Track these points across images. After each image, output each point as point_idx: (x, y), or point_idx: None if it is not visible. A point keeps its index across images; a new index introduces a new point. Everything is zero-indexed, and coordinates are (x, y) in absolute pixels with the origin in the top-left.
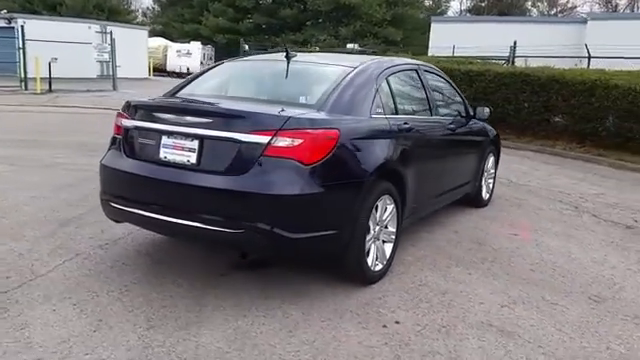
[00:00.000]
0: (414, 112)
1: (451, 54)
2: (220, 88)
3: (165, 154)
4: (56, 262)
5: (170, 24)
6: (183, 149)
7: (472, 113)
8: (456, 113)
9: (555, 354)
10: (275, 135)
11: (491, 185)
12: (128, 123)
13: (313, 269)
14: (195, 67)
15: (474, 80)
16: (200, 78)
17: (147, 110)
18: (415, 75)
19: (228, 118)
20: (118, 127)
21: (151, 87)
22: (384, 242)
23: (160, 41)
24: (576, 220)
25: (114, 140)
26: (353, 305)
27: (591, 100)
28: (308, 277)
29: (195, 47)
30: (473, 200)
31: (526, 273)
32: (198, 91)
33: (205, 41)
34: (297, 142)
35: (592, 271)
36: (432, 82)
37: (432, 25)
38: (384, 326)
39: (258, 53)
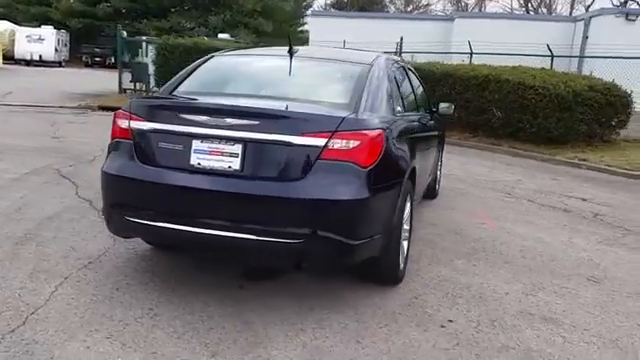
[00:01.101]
0: (411, 108)
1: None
2: (230, 85)
3: (199, 160)
4: (47, 289)
5: (13, 5)
6: (222, 154)
7: (435, 109)
8: (427, 108)
9: (603, 335)
10: (331, 137)
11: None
12: (141, 125)
13: (327, 273)
14: (49, 54)
15: None
16: (196, 74)
17: (171, 110)
18: (404, 71)
19: (276, 119)
20: (124, 130)
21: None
22: (404, 240)
23: (5, 25)
24: (520, 206)
25: (117, 145)
26: (397, 307)
27: (484, 94)
28: (330, 282)
29: (48, 32)
30: (430, 191)
31: (520, 260)
32: (204, 88)
33: (57, 26)
34: (354, 144)
35: (570, 254)
36: (414, 78)
37: (311, 19)
38: (442, 326)
39: (135, 40)
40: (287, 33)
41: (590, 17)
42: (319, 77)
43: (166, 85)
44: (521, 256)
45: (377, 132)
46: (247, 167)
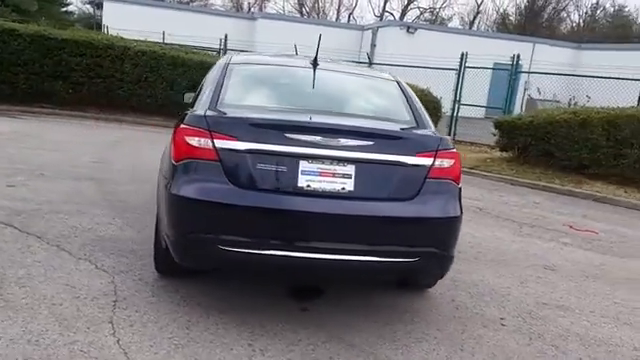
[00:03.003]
0: None
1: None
2: (280, 99)
3: (308, 182)
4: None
5: None
6: (334, 175)
7: None
8: None
9: (612, 315)
10: (435, 156)
11: None
12: (233, 145)
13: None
14: None
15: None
16: (232, 83)
17: (274, 129)
18: None
19: (390, 139)
20: (204, 149)
21: None
22: None
23: None
24: None
25: (194, 166)
26: (449, 310)
27: None
28: (371, 294)
29: None
30: None
31: (499, 258)
32: (255, 102)
33: None
34: (449, 163)
35: (528, 250)
36: None
37: (106, 4)
38: (503, 324)
39: None
40: (52, 14)
41: (377, 27)
42: (363, 92)
43: (203, 99)
44: (499, 256)
45: (457, 151)
46: (360, 188)
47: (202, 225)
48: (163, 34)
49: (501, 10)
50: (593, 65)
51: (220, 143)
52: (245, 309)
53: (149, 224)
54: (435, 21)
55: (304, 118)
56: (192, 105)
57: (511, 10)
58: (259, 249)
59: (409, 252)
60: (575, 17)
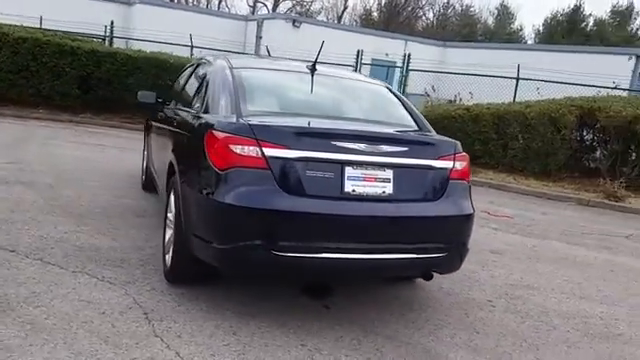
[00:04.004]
0: None
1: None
2: (296, 106)
3: (353, 187)
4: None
5: None
6: (376, 180)
7: None
8: None
9: (567, 291)
10: (454, 159)
11: None
12: (284, 153)
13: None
14: None
15: (102, 62)
16: (247, 90)
17: (322, 138)
18: None
19: (420, 145)
20: (251, 157)
21: None
22: None
23: None
24: None
25: (243, 174)
26: (466, 301)
27: None
28: (369, 289)
29: None
30: None
31: None
32: (274, 109)
33: None
34: (463, 165)
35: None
36: None
37: None
38: (493, 306)
39: None
40: None
41: (263, 19)
42: (366, 98)
43: (222, 105)
44: None
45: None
46: (398, 191)
47: (257, 232)
48: (40, 19)
49: (367, 6)
50: (456, 62)
51: (270, 151)
52: (273, 311)
53: (120, 230)
54: (304, 14)
55: (348, 126)
56: (203, 110)
57: (374, 7)
58: (312, 253)
59: (440, 247)
60: (430, 15)
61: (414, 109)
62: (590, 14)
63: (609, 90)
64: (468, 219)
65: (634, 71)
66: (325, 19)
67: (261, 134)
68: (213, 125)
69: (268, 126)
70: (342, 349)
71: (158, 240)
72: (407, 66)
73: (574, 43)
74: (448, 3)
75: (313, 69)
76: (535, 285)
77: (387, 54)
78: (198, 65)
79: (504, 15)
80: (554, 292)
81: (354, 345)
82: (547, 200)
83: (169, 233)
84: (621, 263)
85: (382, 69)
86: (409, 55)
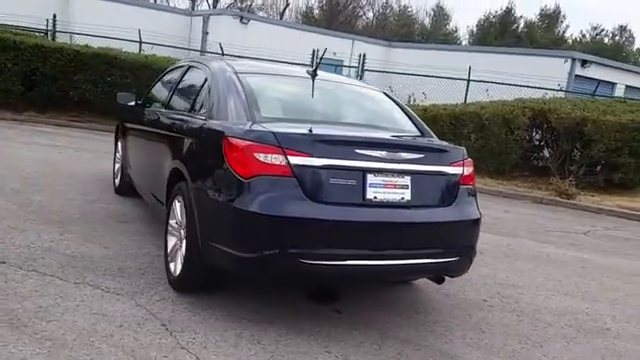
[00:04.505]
0: None
1: None
2: (306, 112)
3: (375, 194)
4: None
5: None
6: (395, 186)
7: None
8: None
9: (551, 288)
10: (463, 165)
11: None
12: (308, 161)
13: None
14: None
15: (47, 57)
16: (257, 95)
17: (345, 146)
18: None
19: (434, 152)
20: (276, 166)
21: None
22: None
23: None
24: None
25: (267, 182)
26: (464, 301)
27: None
28: (372, 292)
29: None
30: None
31: None
32: (284, 114)
33: None
34: (469, 170)
35: None
36: None
37: None
38: (490, 306)
39: None
40: None
41: (209, 15)
42: (370, 104)
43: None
44: None
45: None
46: (415, 197)
47: (284, 240)
48: None
49: (309, 4)
50: (401, 62)
51: (295, 159)
52: (288, 317)
53: (107, 237)
54: (246, 10)
55: (368, 134)
56: (209, 116)
57: (315, 4)
58: (337, 260)
59: (454, 251)
60: (370, 15)
61: (413, 114)
62: (521, 16)
63: (548, 91)
64: (477, 223)
65: (570, 73)
66: (266, 15)
67: (285, 142)
68: (232, 132)
69: (292, 134)
70: (366, 354)
71: (150, 247)
72: (362, 66)
73: (506, 44)
74: (387, 3)
75: (314, 74)
76: (520, 284)
77: (335, 53)
78: (189, 68)
79: (440, 16)
80: (539, 290)
81: (375, 350)
82: (503, 198)
83: (172, 241)
84: (589, 260)
85: (330, 68)
86: (364, 55)
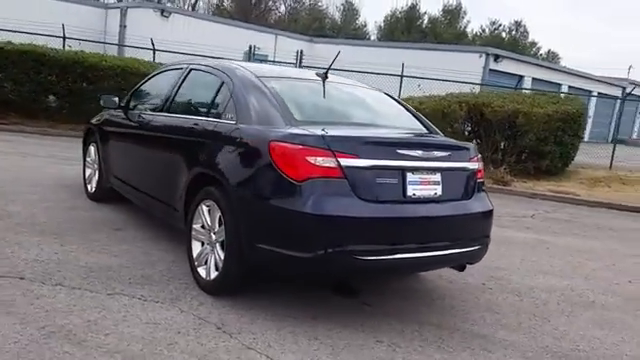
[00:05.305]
0: None
1: None
2: (333, 114)
3: (413, 191)
4: None
5: None
6: (429, 183)
7: None
8: None
9: (535, 270)
10: (478, 161)
11: None
12: (357, 163)
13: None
14: None
15: None
16: (287, 100)
17: (388, 146)
18: None
19: (458, 150)
20: (327, 168)
21: None
22: None
23: None
24: None
25: (323, 184)
26: (452, 287)
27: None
28: (387, 283)
29: None
30: None
31: None
32: (317, 118)
33: None
34: (481, 165)
35: None
36: None
37: None
38: (490, 288)
39: None
40: None
41: (127, 7)
42: (382, 106)
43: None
44: None
45: None
46: (445, 192)
47: (339, 239)
48: None
49: None
50: (325, 56)
51: (345, 161)
52: (327, 313)
53: (111, 246)
54: (158, 0)
55: (405, 135)
56: (239, 120)
57: None
58: (387, 255)
59: (476, 240)
60: (282, 9)
61: (417, 113)
62: (425, 12)
63: (469, 85)
64: (492, 214)
65: (485, 67)
66: (174, 7)
67: (335, 145)
68: (279, 137)
69: (340, 137)
70: (412, 341)
71: (158, 253)
72: (300, 62)
73: (412, 40)
74: None
75: (325, 77)
76: (503, 266)
77: (259, 47)
78: (190, 71)
79: (349, 11)
80: (521, 271)
81: (417, 336)
82: None
83: (197, 245)
84: (548, 241)
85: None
86: (302, 51)
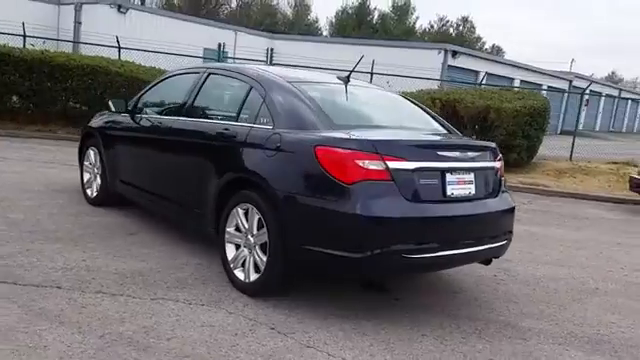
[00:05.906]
0: None
1: None
2: (365, 117)
3: (452, 191)
4: None
5: None
6: (465, 183)
7: None
8: None
9: (537, 260)
10: (501, 160)
11: None
12: (404, 165)
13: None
14: None
15: None
16: (322, 104)
17: (430, 149)
18: None
19: (485, 150)
20: (376, 171)
21: None
22: None
23: None
24: None
25: (373, 187)
26: (466, 280)
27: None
28: (407, 279)
29: None
30: None
31: None
32: (354, 122)
33: None
34: (502, 163)
35: None
36: None
37: None
38: (501, 279)
39: None
40: None
41: (82, 3)
42: (407, 109)
43: (306, 119)
44: None
45: None
46: (477, 191)
47: (389, 239)
48: None
49: None
50: (286, 53)
51: (393, 164)
52: (367, 310)
53: (132, 251)
54: None
55: (445, 138)
56: (277, 125)
57: None
58: (432, 252)
59: (503, 236)
60: (233, 4)
61: (434, 114)
62: (375, 8)
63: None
64: (514, 210)
65: (443, 63)
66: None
67: (382, 149)
68: (327, 141)
69: (387, 141)
70: (452, 333)
71: (183, 257)
72: (271, 60)
73: (363, 36)
74: None
75: (347, 81)
76: (510, 258)
77: (220, 44)
78: (209, 75)
79: (301, 7)
80: (523, 262)
81: (455, 328)
82: None
83: (232, 248)
84: (537, 233)
85: (214, 60)
86: (272, 49)
